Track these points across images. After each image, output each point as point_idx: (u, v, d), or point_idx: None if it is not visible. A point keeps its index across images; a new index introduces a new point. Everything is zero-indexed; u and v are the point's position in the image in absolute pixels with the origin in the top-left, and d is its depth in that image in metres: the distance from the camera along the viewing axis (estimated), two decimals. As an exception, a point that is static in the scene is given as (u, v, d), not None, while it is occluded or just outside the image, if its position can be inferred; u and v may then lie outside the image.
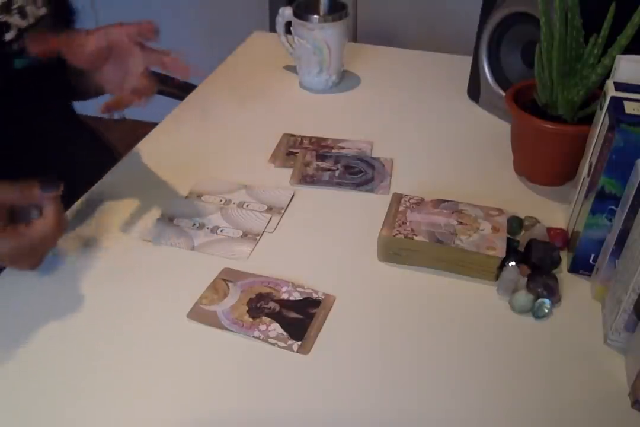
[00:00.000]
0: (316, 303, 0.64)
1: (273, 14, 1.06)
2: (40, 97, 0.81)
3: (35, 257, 0.63)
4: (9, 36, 0.72)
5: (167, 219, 0.75)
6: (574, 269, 0.68)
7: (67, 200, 0.74)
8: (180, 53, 0.67)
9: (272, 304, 0.64)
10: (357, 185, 0.81)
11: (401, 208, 0.71)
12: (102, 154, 0.99)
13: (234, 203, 0.78)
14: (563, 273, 0.68)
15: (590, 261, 0.66)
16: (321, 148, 0.88)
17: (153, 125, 0.94)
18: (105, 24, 0.67)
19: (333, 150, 0.87)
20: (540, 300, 0.63)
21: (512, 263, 0.65)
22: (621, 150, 0.59)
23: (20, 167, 0.67)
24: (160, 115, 0.96)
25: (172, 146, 0.89)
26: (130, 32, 0.67)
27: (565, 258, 0.69)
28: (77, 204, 0.77)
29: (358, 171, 0.83)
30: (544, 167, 0.80)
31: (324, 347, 0.60)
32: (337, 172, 0.83)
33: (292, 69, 1.07)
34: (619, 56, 0.67)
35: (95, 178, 0.82)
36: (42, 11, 0.76)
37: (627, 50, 0.68)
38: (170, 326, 0.62)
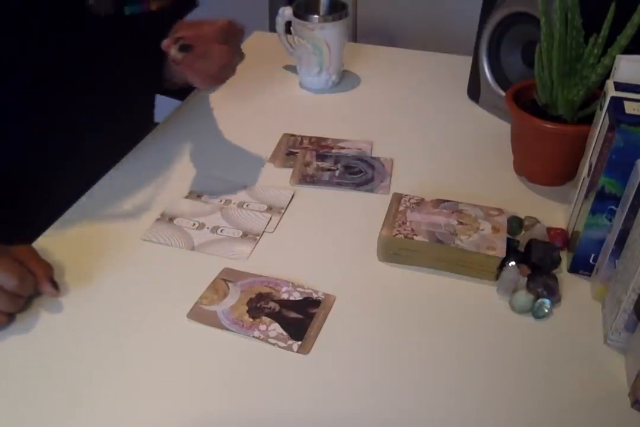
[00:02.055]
0: (316, 303, 0.64)
1: (273, 14, 1.06)
2: (135, 51, 0.84)
3: None
4: None
5: (167, 219, 0.75)
6: (574, 269, 0.68)
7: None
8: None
9: (272, 304, 0.64)
10: (357, 185, 0.81)
11: (401, 208, 0.71)
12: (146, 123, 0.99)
13: (234, 203, 0.78)
14: (563, 273, 0.68)
15: (590, 261, 0.66)
16: (321, 148, 0.88)
17: (153, 125, 0.94)
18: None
19: (333, 150, 0.87)
20: (540, 300, 0.63)
21: (512, 263, 0.65)
22: (621, 150, 0.59)
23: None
24: (160, 115, 0.96)
25: (172, 146, 0.89)
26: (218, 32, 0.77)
27: (565, 258, 0.69)
28: (77, 204, 0.77)
29: (358, 171, 0.83)
30: (544, 167, 0.80)
31: (324, 347, 0.60)
32: (337, 172, 0.83)
33: (292, 69, 1.07)
34: (619, 56, 0.67)
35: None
36: None
37: (627, 50, 0.68)
38: (170, 326, 0.62)
